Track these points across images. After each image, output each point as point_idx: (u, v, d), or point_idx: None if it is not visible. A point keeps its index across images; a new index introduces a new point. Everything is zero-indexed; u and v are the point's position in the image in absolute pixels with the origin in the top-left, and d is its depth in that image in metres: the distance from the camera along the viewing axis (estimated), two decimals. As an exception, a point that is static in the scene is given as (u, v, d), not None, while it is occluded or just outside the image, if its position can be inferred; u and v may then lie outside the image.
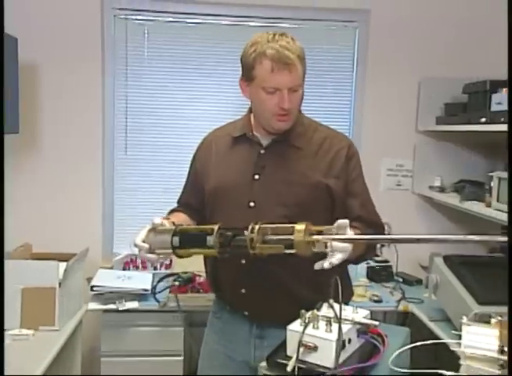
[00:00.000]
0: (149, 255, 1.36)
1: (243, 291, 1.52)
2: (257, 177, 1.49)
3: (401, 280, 2.78)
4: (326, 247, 1.25)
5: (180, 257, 1.38)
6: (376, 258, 2.82)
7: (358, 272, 2.75)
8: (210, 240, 1.30)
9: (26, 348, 1.90)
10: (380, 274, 2.79)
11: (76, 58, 2.72)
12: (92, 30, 2.73)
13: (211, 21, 2.80)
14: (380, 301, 2.52)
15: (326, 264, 1.21)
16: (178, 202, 1.71)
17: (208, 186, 1.56)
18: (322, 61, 2.88)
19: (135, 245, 1.36)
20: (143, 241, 1.35)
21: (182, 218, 1.55)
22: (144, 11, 2.76)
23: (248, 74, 1.44)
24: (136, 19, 2.78)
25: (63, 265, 2.03)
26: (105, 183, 2.83)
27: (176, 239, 1.34)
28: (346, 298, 1.48)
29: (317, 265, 1.23)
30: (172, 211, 1.65)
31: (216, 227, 1.30)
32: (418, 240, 1.30)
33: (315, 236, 1.23)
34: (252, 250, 1.26)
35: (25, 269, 2.03)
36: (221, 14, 2.79)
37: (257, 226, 1.24)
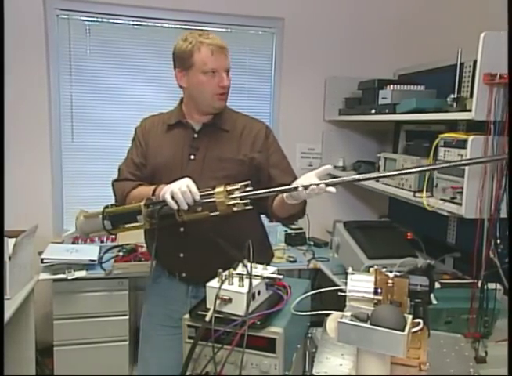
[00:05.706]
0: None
1: (182, 254, 1.50)
2: (192, 157, 1.49)
3: (312, 243, 2.84)
4: (245, 205, 1.24)
5: (113, 234, 1.35)
6: (292, 227, 2.86)
7: (277, 239, 2.78)
8: (140, 218, 1.27)
9: (-20, 315, 1.76)
10: (296, 239, 2.82)
11: (23, 54, 2.50)
12: (36, 29, 2.51)
13: (146, 23, 2.67)
14: (295, 262, 2.57)
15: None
16: (118, 176, 1.59)
17: (150, 165, 1.52)
18: (247, 61, 2.85)
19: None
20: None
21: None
22: (85, 12, 2.58)
23: (186, 63, 1.44)
24: (78, 20, 2.59)
25: (12, 241, 1.89)
26: (54, 168, 2.65)
27: (108, 223, 1.30)
28: (267, 260, 1.48)
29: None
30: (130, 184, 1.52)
31: (142, 203, 1.26)
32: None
33: (238, 194, 1.21)
34: (180, 218, 1.23)
35: (-23, 245, 1.87)
36: (156, 17, 2.66)
37: None
